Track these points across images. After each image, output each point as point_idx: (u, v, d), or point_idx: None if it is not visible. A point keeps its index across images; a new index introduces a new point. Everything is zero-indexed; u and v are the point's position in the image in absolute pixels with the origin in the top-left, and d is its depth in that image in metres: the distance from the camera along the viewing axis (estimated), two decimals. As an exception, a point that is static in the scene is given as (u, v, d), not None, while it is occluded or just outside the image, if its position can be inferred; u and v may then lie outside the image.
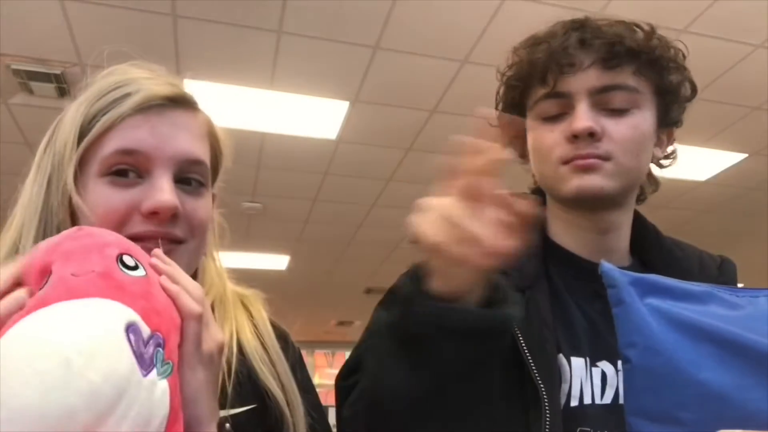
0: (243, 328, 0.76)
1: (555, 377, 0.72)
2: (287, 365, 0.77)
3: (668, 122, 0.84)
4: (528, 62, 0.81)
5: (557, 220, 0.85)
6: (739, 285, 0.78)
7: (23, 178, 0.71)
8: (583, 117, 0.76)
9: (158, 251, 0.58)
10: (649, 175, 0.87)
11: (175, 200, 0.66)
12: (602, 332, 0.77)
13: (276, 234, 5.48)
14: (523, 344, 0.71)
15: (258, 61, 3.07)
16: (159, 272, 0.55)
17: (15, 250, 0.66)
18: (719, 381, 0.57)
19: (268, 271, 6.16)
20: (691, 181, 4.52)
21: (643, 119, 0.79)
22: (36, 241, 0.63)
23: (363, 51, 3.02)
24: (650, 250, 0.87)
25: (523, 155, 0.86)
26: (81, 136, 0.67)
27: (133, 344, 0.45)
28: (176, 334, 0.51)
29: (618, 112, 0.77)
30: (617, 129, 0.77)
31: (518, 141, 0.86)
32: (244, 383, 0.71)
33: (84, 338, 0.43)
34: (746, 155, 4.17)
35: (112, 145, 0.66)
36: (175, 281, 0.54)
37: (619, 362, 0.74)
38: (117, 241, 0.54)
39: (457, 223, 0.56)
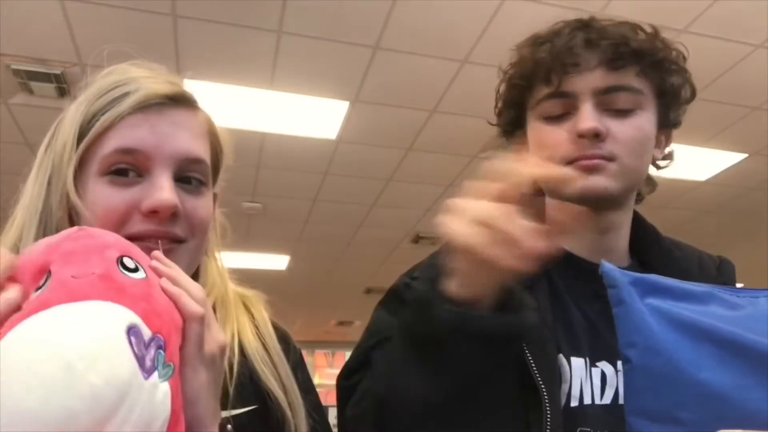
0: (245, 329, 0.75)
1: (556, 378, 0.72)
2: (288, 367, 0.76)
3: (667, 123, 0.84)
4: (532, 61, 0.80)
5: None
6: (739, 285, 0.78)
7: (24, 178, 0.71)
8: (589, 117, 0.75)
9: (158, 253, 0.57)
10: (647, 176, 0.87)
11: (174, 199, 0.65)
12: (602, 332, 0.77)
13: (276, 234, 5.47)
14: (524, 345, 0.71)
15: (258, 61, 3.07)
16: (159, 275, 0.54)
17: (15, 250, 0.65)
18: (719, 381, 0.57)
19: (268, 271, 6.16)
20: (691, 181, 4.51)
21: (646, 120, 0.79)
22: (36, 240, 0.63)
23: (363, 51, 3.01)
24: (649, 250, 0.87)
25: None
26: (81, 135, 0.66)
27: (135, 347, 0.44)
28: (177, 335, 0.51)
29: (622, 113, 0.77)
30: (621, 130, 0.76)
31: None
32: (246, 384, 0.71)
33: (85, 341, 0.42)
34: (746, 155, 4.17)
35: (111, 144, 0.66)
36: (176, 283, 0.54)
37: (619, 362, 0.74)
38: (117, 242, 0.53)
39: (494, 225, 0.56)
